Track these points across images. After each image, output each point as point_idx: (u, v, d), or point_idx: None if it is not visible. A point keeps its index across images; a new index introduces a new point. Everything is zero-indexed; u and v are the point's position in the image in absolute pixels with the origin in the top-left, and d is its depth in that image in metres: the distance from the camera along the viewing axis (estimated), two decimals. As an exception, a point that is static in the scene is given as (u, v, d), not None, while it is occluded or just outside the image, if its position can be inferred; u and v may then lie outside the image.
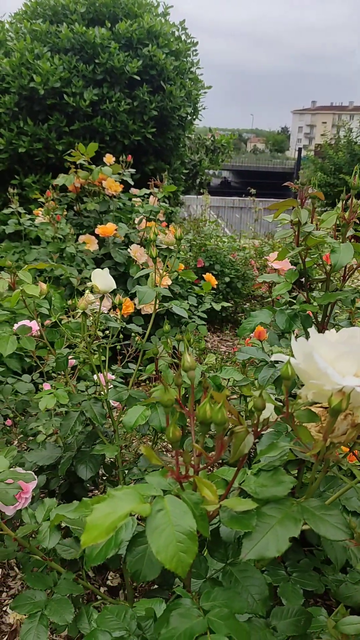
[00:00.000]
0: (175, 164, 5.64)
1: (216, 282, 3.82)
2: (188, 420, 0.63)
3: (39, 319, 1.28)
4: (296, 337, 0.65)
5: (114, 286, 1.20)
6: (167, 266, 1.29)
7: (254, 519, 0.62)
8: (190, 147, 6.55)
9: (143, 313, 3.09)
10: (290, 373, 0.60)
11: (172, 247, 1.24)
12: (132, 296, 2.88)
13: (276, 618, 0.72)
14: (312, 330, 0.59)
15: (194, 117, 5.59)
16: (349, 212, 1.01)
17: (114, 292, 1.62)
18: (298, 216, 0.99)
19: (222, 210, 12.50)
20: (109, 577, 1.70)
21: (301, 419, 0.60)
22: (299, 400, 0.62)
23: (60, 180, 3.15)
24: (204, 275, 3.70)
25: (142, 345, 1.25)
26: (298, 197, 1.03)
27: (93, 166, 3.20)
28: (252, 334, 1.76)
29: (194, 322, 3.30)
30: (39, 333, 1.31)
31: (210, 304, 3.22)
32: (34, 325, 1.31)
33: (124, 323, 1.33)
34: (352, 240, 1.05)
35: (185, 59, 5.17)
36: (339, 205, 1.01)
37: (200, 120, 5.75)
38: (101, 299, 1.18)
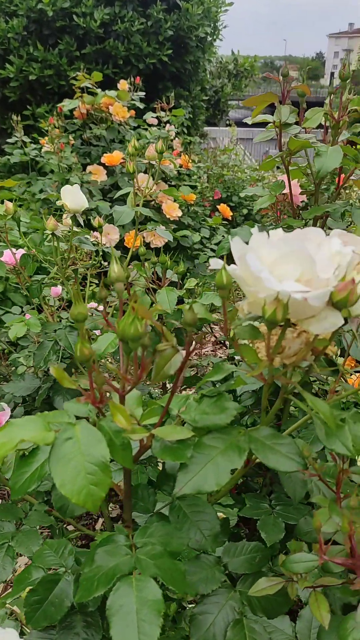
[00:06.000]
0: (194, 90, 5.34)
1: (231, 214, 3.65)
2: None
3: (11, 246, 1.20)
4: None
5: (86, 204, 1.10)
6: (147, 184, 1.17)
7: (189, 450, 0.54)
8: (212, 73, 6.17)
9: (152, 246, 2.98)
10: (225, 281, 0.50)
11: (153, 163, 1.12)
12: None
13: (228, 555, 0.66)
14: (254, 230, 0.49)
15: (214, 37, 5.24)
16: (338, 109, 0.87)
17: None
18: (278, 114, 0.85)
19: (248, 143, 11.99)
20: (110, 509, 1.70)
21: (241, 336, 0.51)
22: (238, 314, 0.52)
23: (66, 104, 2.98)
24: (218, 207, 3.53)
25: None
26: (281, 92, 0.89)
27: (99, 90, 3.02)
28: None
29: (205, 254, 3.17)
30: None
31: (223, 236, 3.08)
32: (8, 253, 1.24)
33: (106, 247, 1.24)
34: (347, 144, 0.92)
35: (203, -28, 4.79)
36: (327, 101, 0.87)
37: (222, 40, 5.39)
38: (73, 218, 1.09)
